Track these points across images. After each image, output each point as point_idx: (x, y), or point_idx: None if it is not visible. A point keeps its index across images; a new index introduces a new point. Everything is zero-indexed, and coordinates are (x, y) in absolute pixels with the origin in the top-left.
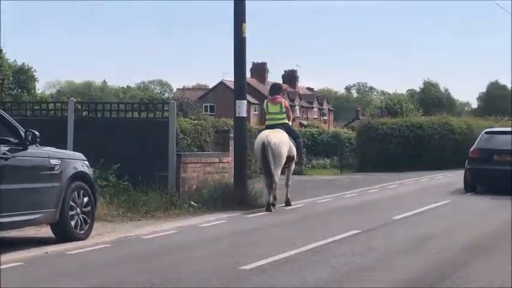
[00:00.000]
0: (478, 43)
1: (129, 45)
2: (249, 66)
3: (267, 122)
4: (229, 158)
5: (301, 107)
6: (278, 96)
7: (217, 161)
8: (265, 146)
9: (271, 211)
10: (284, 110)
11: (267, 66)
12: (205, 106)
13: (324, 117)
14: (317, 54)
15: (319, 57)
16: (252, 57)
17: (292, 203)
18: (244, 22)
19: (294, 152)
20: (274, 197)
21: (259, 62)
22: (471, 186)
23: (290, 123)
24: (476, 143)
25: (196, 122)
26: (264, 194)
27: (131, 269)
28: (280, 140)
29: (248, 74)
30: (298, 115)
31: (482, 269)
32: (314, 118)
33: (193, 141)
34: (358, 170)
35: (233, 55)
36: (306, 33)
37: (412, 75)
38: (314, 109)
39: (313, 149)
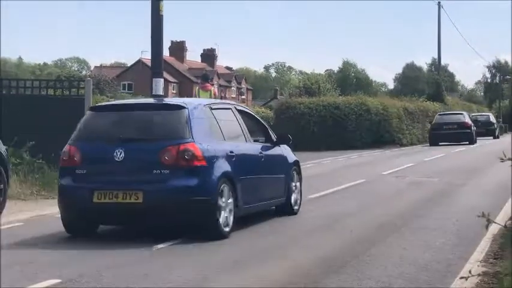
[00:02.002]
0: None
1: (46, 21)
2: (167, 44)
3: None
4: None
5: (220, 86)
6: (208, 84)
7: None
8: None
9: None
10: (213, 96)
11: (186, 45)
12: (123, 84)
13: (242, 97)
14: (236, 33)
15: (238, 36)
16: (171, 36)
17: None
18: (162, 0)
19: None
20: None
21: (178, 40)
22: (434, 142)
23: None
24: (434, 120)
25: (113, 100)
26: None
27: (43, 248)
28: None
29: (167, 53)
30: (217, 94)
31: (394, 246)
32: (232, 97)
33: None
34: None
35: (150, 33)
36: (225, 11)
37: (330, 55)
38: (232, 88)
39: None
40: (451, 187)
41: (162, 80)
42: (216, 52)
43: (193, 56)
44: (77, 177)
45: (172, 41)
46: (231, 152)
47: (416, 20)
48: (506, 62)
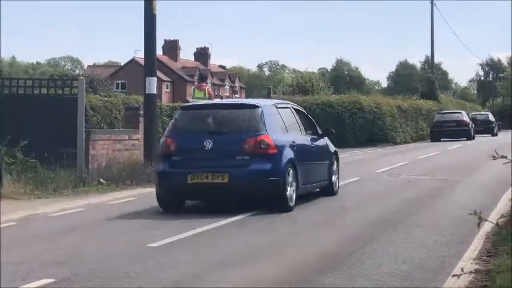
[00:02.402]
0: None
1: (40, 20)
2: (161, 43)
3: None
4: (139, 135)
5: (213, 84)
6: (203, 84)
7: (127, 138)
8: None
9: None
10: (207, 96)
11: (179, 44)
12: (116, 83)
13: (236, 95)
14: (229, 31)
15: (231, 35)
16: (164, 35)
17: None
18: None
19: None
20: None
21: (171, 39)
22: (436, 138)
23: None
24: (435, 118)
25: (106, 99)
26: None
27: (36, 247)
28: None
29: (160, 52)
30: (211, 93)
31: (388, 244)
32: (226, 96)
33: (103, 119)
34: None
35: (143, 32)
36: (218, 10)
37: (324, 54)
38: (226, 87)
39: None
40: (444, 185)
41: (156, 78)
42: (210, 51)
43: (186, 55)
44: (173, 163)
45: (165, 40)
46: (293, 142)
47: (409, 18)
48: (499, 60)
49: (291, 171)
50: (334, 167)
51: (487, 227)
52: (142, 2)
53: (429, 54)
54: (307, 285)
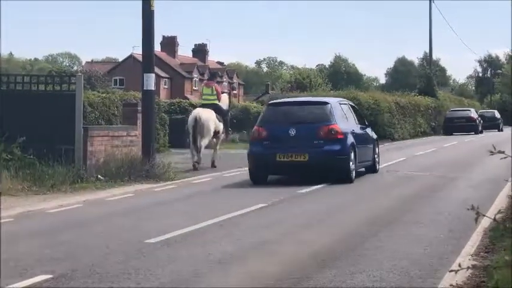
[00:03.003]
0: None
1: (38, 16)
2: (159, 39)
3: (202, 102)
4: (137, 132)
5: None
6: (212, 81)
7: (125, 134)
8: (196, 120)
9: (197, 170)
10: (215, 92)
11: (177, 40)
12: (114, 79)
13: (234, 91)
14: (227, 28)
15: (229, 31)
16: (162, 31)
17: (199, 176)
18: None
19: (221, 127)
20: (199, 160)
21: (169, 35)
22: (448, 132)
23: (220, 103)
24: (446, 114)
25: (104, 95)
26: (192, 156)
27: (34, 243)
28: (209, 117)
29: (158, 48)
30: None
31: (386, 241)
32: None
33: (101, 115)
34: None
35: (141, 28)
36: (216, 6)
37: (322, 50)
38: (224, 83)
39: None
40: (442, 181)
41: (154, 75)
42: (208, 47)
43: (184, 51)
44: (264, 146)
45: (163, 36)
46: (353, 130)
47: (407, 15)
48: (497, 57)
49: (352, 152)
50: (376, 150)
51: (485, 222)
52: None
53: (427, 50)
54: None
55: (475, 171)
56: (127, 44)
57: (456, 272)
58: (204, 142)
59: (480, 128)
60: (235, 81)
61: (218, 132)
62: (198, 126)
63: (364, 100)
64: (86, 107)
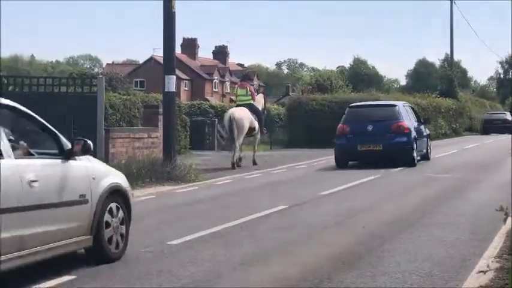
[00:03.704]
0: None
1: (59, 19)
2: (179, 41)
3: (237, 102)
4: (158, 133)
5: (232, 82)
6: (245, 82)
7: (146, 136)
8: (231, 119)
9: (235, 169)
10: (249, 93)
11: (198, 42)
12: (135, 81)
13: (227, 91)
14: (248, 30)
15: (250, 33)
16: (183, 33)
17: (221, 178)
18: None
19: (256, 125)
20: (240, 159)
21: (190, 37)
22: (486, 132)
23: (256, 103)
24: (485, 117)
25: (125, 97)
26: (231, 156)
27: None
28: (243, 116)
29: (178, 50)
30: (229, 91)
31: (408, 243)
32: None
33: (122, 117)
34: (287, 146)
35: (162, 30)
36: (236, 9)
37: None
38: (255, 84)
39: None
40: (463, 182)
41: (175, 77)
42: (228, 49)
43: (204, 53)
44: (348, 139)
45: (184, 38)
46: (414, 126)
47: (428, 16)
48: None
49: (415, 142)
50: (429, 142)
51: (507, 225)
52: (161, 0)
53: (448, 52)
54: None
55: (497, 172)
56: (148, 46)
57: (485, 273)
58: (239, 140)
59: None
60: (255, 82)
61: (254, 129)
62: (234, 124)
63: None
64: (107, 108)
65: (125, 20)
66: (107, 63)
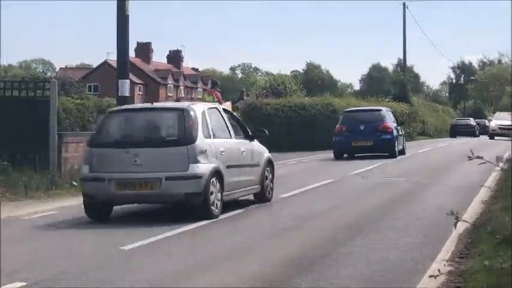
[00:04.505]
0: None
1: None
2: (133, 45)
3: None
4: None
5: (186, 87)
6: (212, 89)
7: None
8: None
9: None
10: (216, 99)
11: (152, 46)
12: (89, 86)
13: (198, 97)
14: (202, 34)
15: (204, 37)
16: (137, 37)
17: None
18: (127, 0)
19: None
20: None
21: (144, 41)
22: (454, 135)
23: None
24: (453, 122)
25: (78, 101)
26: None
27: (8, 250)
28: None
29: (133, 54)
30: (183, 95)
31: (362, 246)
32: (198, 98)
33: (76, 121)
34: None
35: (116, 34)
36: (191, 13)
37: (295, 57)
38: (199, 89)
39: None
40: (417, 186)
41: (128, 81)
42: (182, 53)
43: (158, 57)
44: (344, 136)
45: (138, 42)
46: (395, 127)
47: (381, 21)
48: (470, 63)
49: (396, 140)
50: (404, 140)
51: (459, 228)
52: (115, 2)
53: (401, 56)
54: None
55: (451, 176)
56: (102, 50)
57: (435, 277)
58: None
59: (478, 133)
60: (209, 87)
61: None
62: None
63: (339, 106)
64: (60, 113)
65: (79, 23)
66: (60, 68)
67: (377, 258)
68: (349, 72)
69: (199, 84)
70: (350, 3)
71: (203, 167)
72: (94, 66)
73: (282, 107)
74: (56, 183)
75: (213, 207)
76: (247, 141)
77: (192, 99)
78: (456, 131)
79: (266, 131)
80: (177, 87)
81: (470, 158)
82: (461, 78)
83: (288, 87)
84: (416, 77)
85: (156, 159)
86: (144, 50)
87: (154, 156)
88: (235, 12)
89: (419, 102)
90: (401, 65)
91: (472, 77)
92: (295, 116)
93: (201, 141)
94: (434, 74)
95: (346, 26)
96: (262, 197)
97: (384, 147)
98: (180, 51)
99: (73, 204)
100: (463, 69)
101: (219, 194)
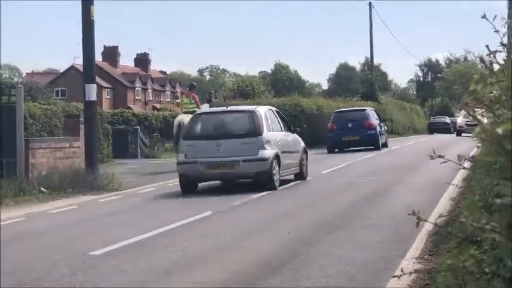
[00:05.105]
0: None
1: None
2: (100, 49)
3: (183, 110)
4: (80, 143)
5: (154, 90)
6: (190, 92)
7: (68, 146)
8: (180, 125)
9: None
10: (193, 101)
11: (119, 50)
12: (56, 91)
13: (177, 100)
14: (169, 37)
15: (171, 40)
16: (103, 41)
17: (144, 186)
18: (92, 5)
19: None
20: None
21: (111, 45)
22: (431, 132)
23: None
24: (430, 120)
25: (45, 106)
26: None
27: None
28: None
29: (99, 58)
30: (151, 98)
31: (333, 246)
32: (167, 101)
33: (43, 127)
34: None
35: (81, 39)
36: (157, 16)
37: (263, 58)
38: (167, 92)
39: (167, 132)
40: (387, 185)
41: (95, 85)
42: (150, 56)
43: (126, 61)
44: (335, 133)
45: (105, 46)
46: (378, 123)
47: (348, 20)
48: (437, 61)
49: (380, 135)
50: (387, 135)
51: (428, 225)
52: (80, 8)
53: (369, 55)
54: None
55: (419, 174)
56: (69, 55)
57: (399, 277)
58: None
59: (453, 130)
60: (178, 90)
61: None
62: (181, 129)
63: (307, 106)
64: (27, 118)
65: (45, 28)
66: (27, 73)
67: (346, 257)
68: (317, 72)
69: (168, 87)
70: (317, 3)
71: (268, 152)
72: (61, 71)
73: None
74: (24, 190)
75: (274, 182)
76: (290, 134)
77: (160, 102)
78: (433, 128)
79: (304, 126)
80: (145, 90)
81: (432, 158)
82: (429, 76)
83: (256, 88)
84: (383, 75)
85: (234, 147)
86: (111, 53)
87: (233, 145)
88: (201, 14)
89: (387, 101)
90: (369, 64)
91: (439, 75)
92: None
93: (266, 134)
94: (402, 72)
95: (313, 26)
96: (300, 176)
97: (369, 141)
98: (148, 54)
99: (42, 210)
100: (430, 66)
101: (278, 172)
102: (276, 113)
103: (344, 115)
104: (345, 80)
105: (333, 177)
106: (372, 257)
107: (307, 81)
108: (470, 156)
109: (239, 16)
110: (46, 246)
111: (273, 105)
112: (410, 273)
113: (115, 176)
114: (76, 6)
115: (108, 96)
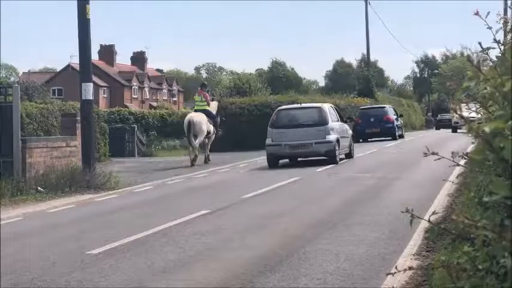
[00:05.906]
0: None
1: None
2: (96, 48)
3: (195, 108)
4: (77, 142)
5: (151, 88)
6: (202, 90)
7: (64, 145)
8: (190, 123)
9: (194, 166)
10: (204, 99)
11: (115, 49)
12: (52, 90)
13: (174, 99)
14: (166, 35)
15: (167, 38)
16: (99, 39)
17: (142, 184)
18: (88, 4)
19: (211, 128)
20: (195, 157)
21: (107, 44)
22: (438, 128)
23: (210, 108)
24: (438, 117)
25: (42, 106)
26: (189, 153)
27: None
28: (201, 120)
29: (96, 57)
30: (148, 97)
31: (329, 243)
32: (164, 99)
33: (40, 126)
34: (209, 150)
35: (77, 38)
36: (153, 14)
37: (261, 55)
38: (164, 90)
39: (164, 130)
40: (383, 182)
41: (92, 84)
42: (146, 55)
43: (122, 59)
44: (361, 126)
45: (101, 45)
46: (395, 118)
47: (345, 17)
48: (433, 57)
49: (396, 128)
50: (403, 128)
51: (425, 222)
52: (76, 7)
53: (365, 52)
54: None
55: (416, 170)
56: (65, 54)
57: (393, 275)
58: (199, 140)
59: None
60: (174, 88)
61: (209, 132)
62: (192, 127)
63: (304, 103)
64: (23, 118)
65: (42, 27)
66: (23, 72)
67: (344, 254)
68: (314, 69)
69: (164, 86)
70: (314, 1)
71: (332, 137)
72: (58, 70)
73: (247, 105)
74: (21, 190)
75: (337, 158)
76: (343, 123)
77: (157, 101)
78: (440, 125)
79: (353, 118)
80: (141, 88)
81: (426, 155)
82: (425, 72)
83: (252, 85)
84: (380, 71)
85: (308, 133)
86: (108, 52)
87: (307, 132)
88: (198, 12)
89: (384, 97)
90: (365, 61)
91: (436, 71)
92: (260, 114)
93: (330, 124)
94: (399, 68)
95: (311, 23)
96: (349, 155)
97: (387, 132)
98: (144, 52)
99: (39, 210)
100: (427, 63)
101: (338, 152)
102: (334, 108)
103: (367, 111)
104: (341, 77)
105: (372, 157)
106: (369, 254)
107: (304, 79)
108: (465, 153)
109: (235, 12)
110: (44, 246)
111: (269, 103)
112: (405, 270)
113: (112, 174)
114: (72, 5)
115: (105, 95)
